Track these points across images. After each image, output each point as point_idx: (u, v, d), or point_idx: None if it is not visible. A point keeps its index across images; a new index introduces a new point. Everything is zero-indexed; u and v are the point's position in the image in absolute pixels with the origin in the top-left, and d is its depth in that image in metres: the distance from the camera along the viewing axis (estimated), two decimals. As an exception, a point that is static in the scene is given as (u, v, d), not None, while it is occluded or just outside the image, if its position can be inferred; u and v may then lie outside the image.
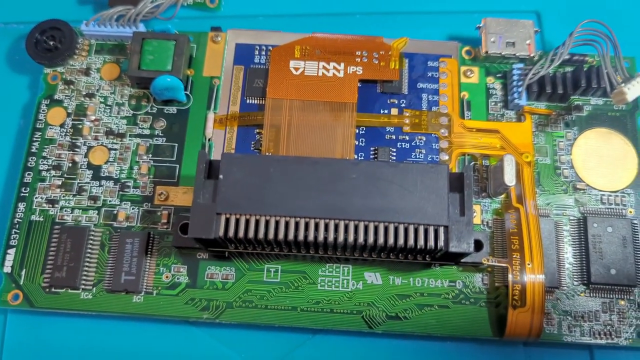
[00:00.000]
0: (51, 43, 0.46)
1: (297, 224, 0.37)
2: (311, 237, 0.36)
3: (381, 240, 0.36)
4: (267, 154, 0.42)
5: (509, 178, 0.40)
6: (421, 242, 0.36)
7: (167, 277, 0.41)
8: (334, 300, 0.40)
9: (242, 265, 0.41)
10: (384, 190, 0.37)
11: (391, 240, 0.36)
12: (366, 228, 0.37)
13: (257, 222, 0.36)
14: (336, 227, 0.37)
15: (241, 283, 0.41)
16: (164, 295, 0.40)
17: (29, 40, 0.46)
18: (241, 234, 0.36)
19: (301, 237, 0.36)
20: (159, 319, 0.40)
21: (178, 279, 0.41)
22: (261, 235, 0.36)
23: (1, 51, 0.50)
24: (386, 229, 0.36)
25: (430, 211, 0.37)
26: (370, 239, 0.36)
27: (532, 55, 0.45)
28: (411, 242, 0.36)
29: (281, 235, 0.36)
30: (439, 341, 0.41)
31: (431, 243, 0.36)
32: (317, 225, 0.37)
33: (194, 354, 0.41)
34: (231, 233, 0.36)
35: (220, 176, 0.37)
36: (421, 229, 0.36)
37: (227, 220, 0.37)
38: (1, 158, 0.46)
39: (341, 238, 0.36)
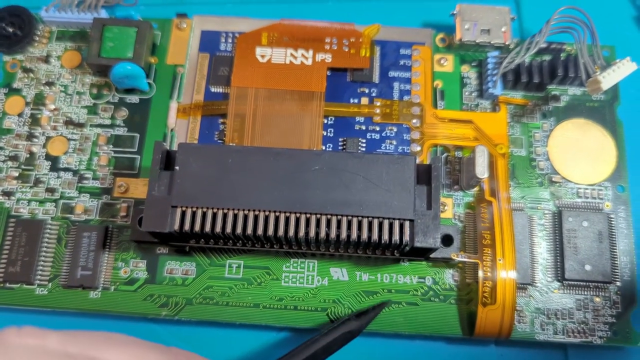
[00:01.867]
0: (10, 30, 0.44)
1: (256, 218, 0.35)
2: (270, 231, 0.35)
3: (344, 234, 0.35)
4: (230, 144, 0.41)
5: (481, 170, 0.38)
6: (386, 236, 0.35)
7: (125, 272, 0.39)
8: (298, 297, 0.39)
9: (203, 261, 0.39)
10: (348, 182, 0.35)
11: (354, 235, 0.35)
12: (328, 222, 0.35)
13: (214, 216, 0.35)
14: (297, 220, 0.35)
15: (202, 279, 0.39)
16: (122, 291, 0.39)
17: (-13, 27, 0.45)
18: (197, 227, 0.35)
19: (260, 231, 0.35)
20: (116, 315, 0.39)
21: (137, 274, 0.39)
22: (218, 229, 0.35)
23: (-38, 38, 0.48)
24: (349, 223, 0.35)
25: (396, 204, 0.35)
26: (333, 234, 0.35)
27: (507, 43, 0.43)
28: (375, 236, 0.35)
29: (239, 230, 0.35)
30: (407, 340, 0.40)
31: (396, 237, 0.35)
32: (277, 219, 0.35)
33: (153, 352, 0.39)
34: (187, 227, 0.35)
35: (176, 167, 0.36)
36: (386, 223, 0.35)
37: (183, 214, 0.35)
38: (-41, 149, 0.45)
39: (302, 232, 0.35)
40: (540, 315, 0.39)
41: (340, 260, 0.40)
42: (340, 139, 0.42)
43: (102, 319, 0.40)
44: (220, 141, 0.42)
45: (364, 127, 0.42)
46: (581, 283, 0.39)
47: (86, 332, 0.27)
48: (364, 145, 0.42)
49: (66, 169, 0.42)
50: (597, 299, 0.39)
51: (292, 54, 0.43)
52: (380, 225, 0.35)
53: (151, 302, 0.39)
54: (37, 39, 0.45)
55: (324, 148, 0.42)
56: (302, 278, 0.39)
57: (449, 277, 0.39)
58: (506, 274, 0.38)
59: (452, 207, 0.41)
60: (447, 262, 0.39)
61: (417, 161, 0.36)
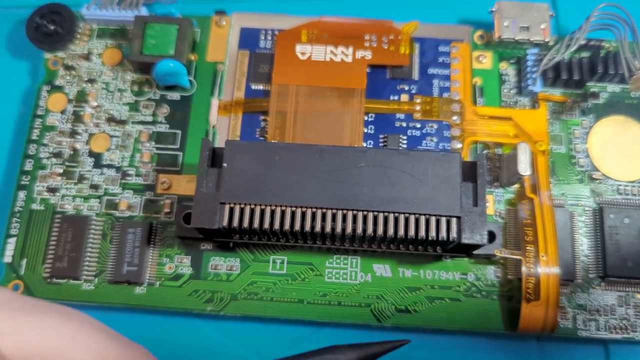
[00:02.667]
0: (52, 27, 0.45)
1: (303, 214, 0.35)
2: (318, 227, 0.35)
3: (391, 231, 0.35)
4: (272, 141, 0.41)
5: (524, 167, 0.38)
6: (433, 233, 0.35)
7: (170, 268, 0.40)
8: (341, 293, 0.39)
9: (247, 256, 0.40)
10: (394, 179, 0.36)
11: (401, 232, 0.35)
12: (375, 218, 0.35)
13: (262, 212, 0.35)
14: (344, 217, 0.35)
15: (246, 274, 0.39)
16: (167, 286, 0.39)
17: (29, 25, 0.45)
18: (246, 224, 0.35)
19: (307, 227, 0.35)
20: (162, 310, 0.39)
21: (181, 270, 0.40)
22: (266, 225, 0.35)
23: (1, 36, 0.48)
24: (396, 220, 0.35)
25: (442, 201, 0.35)
26: (380, 230, 0.35)
27: (547, 40, 0.43)
28: (422, 233, 0.35)
29: (287, 226, 0.35)
30: (449, 335, 0.40)
31: (443, 234, 0.35)
32: (324, 216, 0.35)
33: (198, 347, 0.40)
34: (235, 223, 0.35)
35: (224, 164, 0.36)
36: (432, 220, 0.35)
37: (231, 210, 0.35)
38: (1, 145, 0.45)
39: (349, 229, 0.35)
40: (582, 311, 0.39)
41: (383, 257, 0.40)
42: (381, 136, 0.42)
43: (147, 314, 0.40)
44: (262, 138, 0.42)
45: (404, 124, 0.43)
46: (623, 279, 0.39)
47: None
48: (404, 142, 0.42)
49: (109, 166, 0.42)
50: (639, 296, 0.39)
51: (332, 51, 0.43)
52: (427, 222, 0.35)
53: (196, 298, 0.39)
54: (78, 36, 0.45)
55: (364, 145, 0.42)
56: (346, 274, 0.39)
57: (491, 273, 0.40)
58: (549, 271, 0.38)
59: (492, 203, 0.41)
60: (489, 259, 0.40)
61: (460, 158, 0.37)
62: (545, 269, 0.38)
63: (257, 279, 0.39)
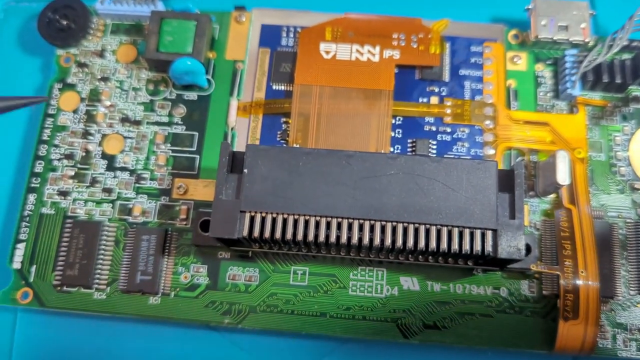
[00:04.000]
0: (64, 23, 0.43)
1: (328, 224, 0.33)
2: (344, 239, 0.33)
3: (422, 244, 0.33)
4: (294, 145, 0.39)
5: (563, 177, 0.36)
6: (467, 246, 0.33)
7: (185, 277, 0.38)
8: (366, 307, 0.37)
9: (267, 267, 0.38)
10: (426, 188, 0.33)
11: (433, 244, 0.33)
12: (405, 230, 0.33)
13: (284, 221, 0.33)
14: (371, 228, 0.33)
15: (265, 286, 0.37)
16: (183, 297, 0.37)
17: (40, 20, 0.43)
18: (267, 234, 0.33)
19: (333, 238, 0.33)
20: (176, 322, 0.37)
21: (197, 279, 0.38)
22: (289, 235, 0.33)
23: (12, 31, 0.47)
24: (428, 232, 0.33)
25: (477, 213, 0.33)
26: (410, 243, 0.33)
27: (587, 40, 0.41)
28: (455, 246, 0.33)
29: (311, 236, 0.33)
30: (480, 353, 0.38)
31: (478, 248, 0.33)
32: (350, 226, 0.33)
33: (214, 361, 0.38)
34: (256, 233, 0.33)
35: (245, 170, 0.34)
36: (467, 233, 0.33)
37: (252, 219, 0.33)
38: (11, 146, 0.43)
39: (377, 240, 0.33)
40: (623, 331, 0.36)
41: (410, 269, 0.38)
42: (409, 141, 0.40)
43: (161, 325, 0.38)
44: (283, 141, 0.40)
45: (434, 128, 0.40)
46: (667, 297, 0.37)
47: None
48: (434, 147, 0.40)
49: (123, 169, 0.40)
50: (685, 315, 0.37)
51: (358, 50, 0.41)
52: (461, 234, 0.33)
53: (213, 310, 0.37)
54: (92, 32, 0.43)
55: (392, 150, 0.40)
56: (371, 287, 0.37)
57: (525, 288, 0.37)
58: (589, 287, 0.35)
59: (527, 214, 0.39)
60: (523, 273, 0.37)
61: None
62: (584, 286, 0.36)
63: (277, 291, 0.37)
